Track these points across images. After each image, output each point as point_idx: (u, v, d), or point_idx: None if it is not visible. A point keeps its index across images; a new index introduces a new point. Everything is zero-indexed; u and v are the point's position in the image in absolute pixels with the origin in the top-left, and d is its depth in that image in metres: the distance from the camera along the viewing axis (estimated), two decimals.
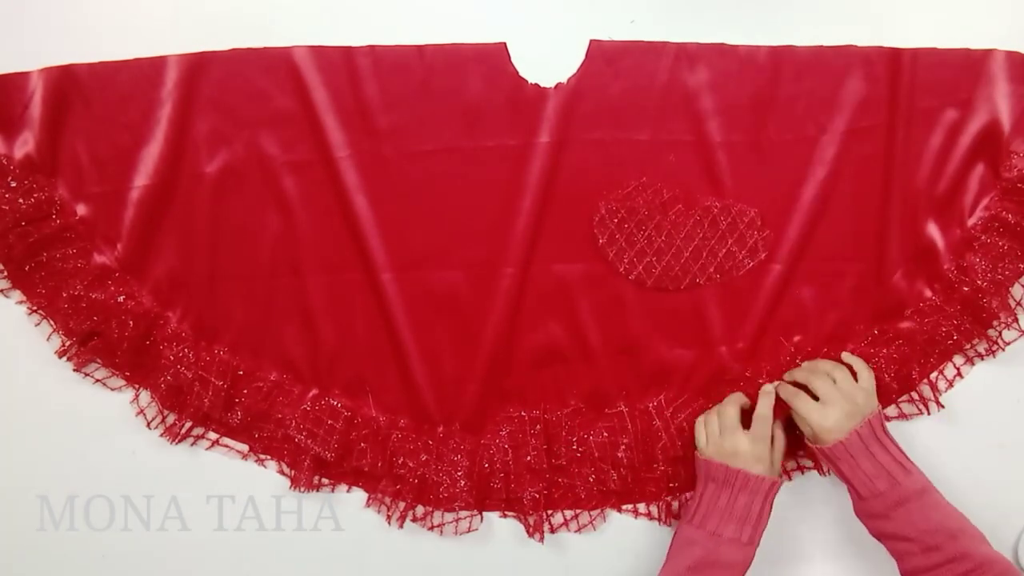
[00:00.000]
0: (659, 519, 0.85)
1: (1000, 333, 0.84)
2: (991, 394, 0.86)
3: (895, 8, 0.85)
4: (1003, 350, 0.85)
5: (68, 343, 0.83)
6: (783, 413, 0.81)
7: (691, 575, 0.74)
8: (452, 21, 0.83)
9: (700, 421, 0.82)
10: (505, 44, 0.82)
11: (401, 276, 0.84)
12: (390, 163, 0.83)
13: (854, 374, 0.80)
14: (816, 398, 0.78)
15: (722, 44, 0.82)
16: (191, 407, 0.83)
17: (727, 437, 0.79)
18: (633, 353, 0.85)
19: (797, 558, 0.87)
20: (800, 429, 0.79)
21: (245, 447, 0.86)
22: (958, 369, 0.85)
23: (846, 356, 0.82)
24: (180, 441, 0.85)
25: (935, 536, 0.72)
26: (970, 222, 0.85)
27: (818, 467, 0.84)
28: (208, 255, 0.84)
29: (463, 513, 0.85)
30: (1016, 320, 0.84)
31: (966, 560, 0.70)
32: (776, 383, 0.82)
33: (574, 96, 0.82)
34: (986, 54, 0.82)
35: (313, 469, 0.84)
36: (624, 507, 0.86)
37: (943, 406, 0.84)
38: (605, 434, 0.85)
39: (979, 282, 0.82)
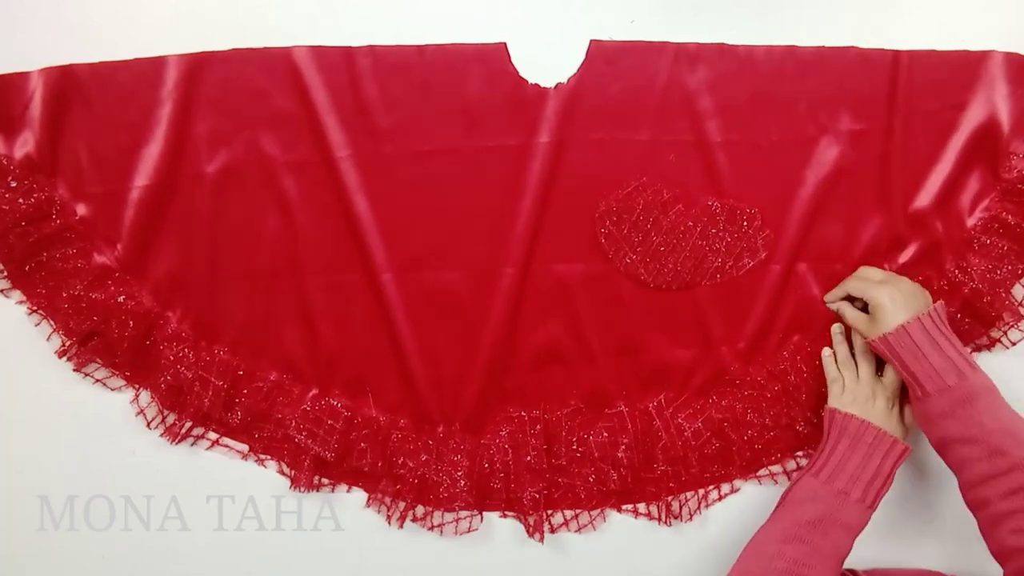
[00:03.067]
0: (659, 519, 0.85)
1: (1005, 333, 0.84)
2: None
3: (895, 8, 0.84)
4: (1007, 348, 0.85)
5: (68, 343, 0.83)
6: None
7: (810, 530, 0.71)
8: (452, 21, 0.83)
9: (830, 360, 0.81)
10: (505, 44, 0.82)
11: (401, 276, 0.84)
12: (390, 163, 0.83)
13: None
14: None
15: (722, 44, 0.82)
16: (191, 407, 0.83)
17: (865, 388, 0.77)
18: (633, 353, 0.85)
19: None
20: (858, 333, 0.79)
21: (245, 447, 0.86)
22: None
23: (880, 271, 0.82)
24: (180, 441, 0.85)
25: (1003, 438, 0.68)
26: (970, 222, 0.85)
27: None
28: (208, 255, 0.84)
29: (463, 513, 0.85)
30: (1022, 321, 0.84)
31: None
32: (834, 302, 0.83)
33: (574, 96, 0.82)
34: (985, 55, 0.82)
35: (313, 469, 0.84)
36: (624, 507, 0.86)
37: None
38: (605, 434, 0.85)
39: (979, 283, 0.82)
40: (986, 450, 0.68)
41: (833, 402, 0.79)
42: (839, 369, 0.81)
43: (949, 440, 0.72)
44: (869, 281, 0.80)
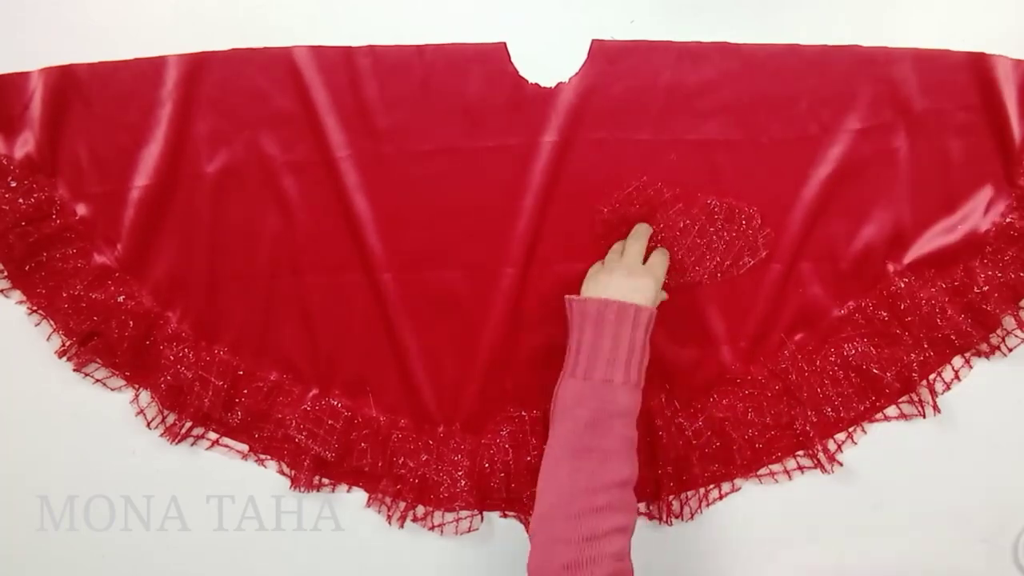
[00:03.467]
0: (660, 518, 0.85)
1: (1003, 339, 0.84)
2: (991, 395, 0.85)
3: (896, 8, 0.84)
4: (1006, 355, 0.85)
5: (68, 343, 0.83)
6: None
7: (591, 435, 0.67)
8: (452, 21, 0.83)
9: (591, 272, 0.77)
10: (505, 44, 0.82)
11: (401, 276, 0.84)
12: (390, 163, 0.83)
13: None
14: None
15: (724, 43, 0.82)
16: (191, 407, 0.83)
17: (615, 257, 0.76)
18: None
19: (794, 555, 0.87)
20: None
21: (245, 447, 0.86)
22: (956, 372, 0.85)
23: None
24: (180, 441, 0.85)
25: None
26: (982, 228, 0.84)
27: (820, 466, 0.84)
28: (208, 255, 0.84)
29: (463, 513, 0.85)
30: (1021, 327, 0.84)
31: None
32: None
33: (575, 96, 0.82)
34: (991, 59, 0.82)
35: (313, 469, 0.84)
36: None
37: (939, 411, 0.84)
38: None
39: (984, 288, 0.82)
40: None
41: (586, 283, 0.76)
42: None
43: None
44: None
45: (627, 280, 0.73)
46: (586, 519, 0.64)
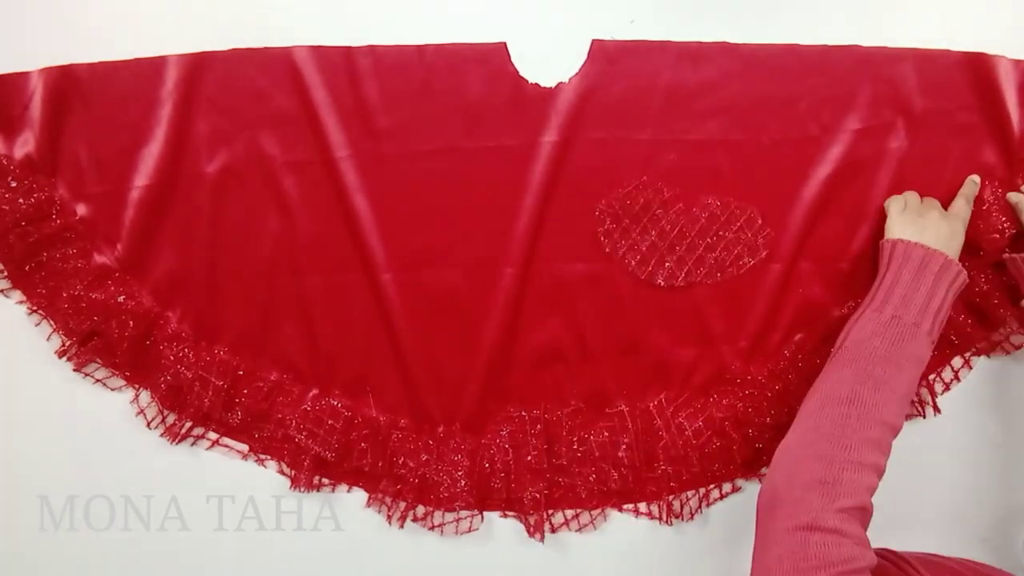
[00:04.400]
0: (660, 518, 0.85)
1: (1007, 337, 0.84)
2: (991, 395, 0.86)
3: (896, 8, 0.84)
4: (1008, 353, 0.85)
5: (68, 343, 0.83)
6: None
7: (882, 364, 0.67)
8: (452, 21, 0.83)
9: (893, 199, 0.78)
10: (505, 44, 0.82)
11: (401, 276, 0.84)
12: (390, 163, 0.83)
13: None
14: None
15: (724, 43, 0.82)
16: (191, 407, 0.83)
17: (927, 206, 0.75)
18: (634, 352, 0.85)
19: None
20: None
21: (245, 447, 0.86)
22: (956, 372, 0.85)
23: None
24: (180, 441, 0.85)
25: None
26: (982, 227, 0.84)
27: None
28: (208, 255, 0.84)
29: (463, 513, 0.85)
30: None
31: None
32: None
33: (575, 96, 0.82)
34: (991, 59, 0.82)
35: (313, 469, 0.84)
36: (625, 507, 0.86)
37: (939, 411, 0.84)
38: (606, 434, 0.85)
39: (987, 286, 0.82)
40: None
41: (892, 223, 0.76)
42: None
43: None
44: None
45: (944, 223, 0.73)
46: (856, 446, 0.63)
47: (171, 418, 0.85)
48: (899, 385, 0.67)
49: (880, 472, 0.65)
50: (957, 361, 0.85)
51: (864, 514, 0.62)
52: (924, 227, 0.75)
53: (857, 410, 0.65)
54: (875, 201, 0.84)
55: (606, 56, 0.82)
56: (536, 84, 0.82)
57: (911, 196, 0.80)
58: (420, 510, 0.85)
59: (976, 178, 0.81)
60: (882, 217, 0.84)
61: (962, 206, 0.79)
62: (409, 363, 0.85)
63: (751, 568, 0.62)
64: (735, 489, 0.86)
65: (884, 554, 0.69)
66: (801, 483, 0.62)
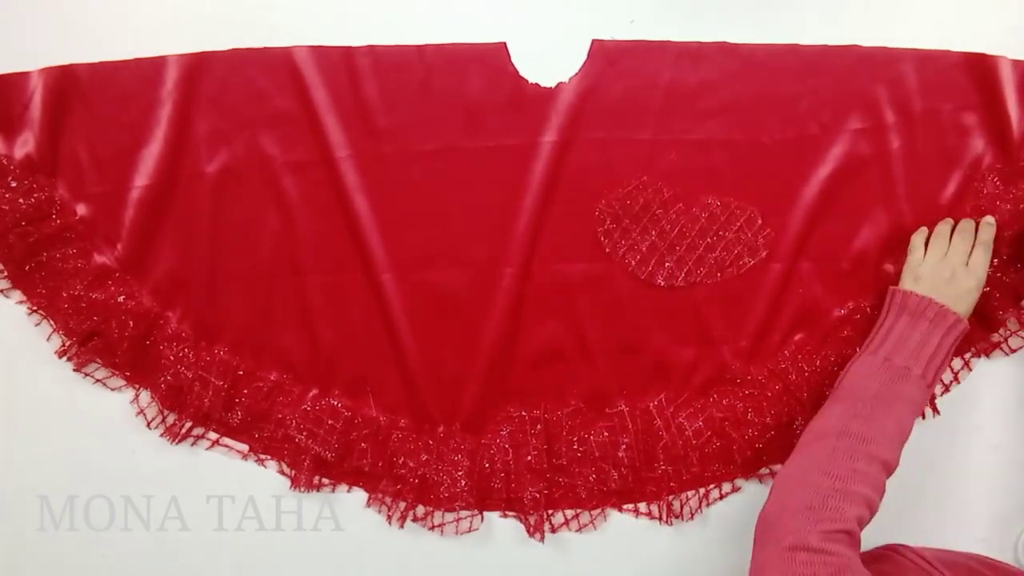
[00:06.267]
0: (660, 518, 0.85)
1: (1007, 339, 0.84)
2: (991, 395, 0.86)
3: (896, 8, 0.84)
4: (1007, 355, 0.84)
5: (68, 343, 0.83)
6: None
7: (874, 405, 0.69)
8: (452, 21, 0.83)
9: (919, 233, 0.80)
10: (505, 44, 0.82)
11: (401, 276, 0.84)
12: (390, 163, 0.83)
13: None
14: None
15: (724, 43, 0.82)
16: (191, 407, 0.83)
17: (946, 267, 0.76)
18: (634, 352, 0.85)
19: None
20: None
21: (245, 447, 0.86)
22: (956, 374, 0.85)
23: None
24: (180, 441, 0.85)
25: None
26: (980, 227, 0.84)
27: None
28: (208, 255, 0.84)
29: (463, 513, 0.85)
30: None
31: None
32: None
33: (575, 96, 0.82)
34: (992, 60, 0.82)
35: (313, 469, 0.84)
36: (625, 507, 0.86)
37: (938, 412, 0.84)
38: (606, 434, 0.85)
39: (987, 286, 0.82)
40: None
41: (906, 274, 0.78)
42: (929, 241, 0.80)
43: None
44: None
45: (950, 287, 0.75)
46: (843, 476, 0.65)
47: (171, 418, 0.85)
48: (889, 422, 0.69)
49: (871, 506, 0.66)
50: (957, 363, 0.85)
51: (851, 538, 0.63)
52: (936, 287, 0.76)
53: (846, 443, 0.68)
54: (875, 201, 0.84)
55: (606, 56, 0.82)
56: (536, 84, 0.82)
57: (937, 245, 0.79)
58: (420, 510, 0.84)
59: (991, 219, 0.80)
60: (882, 217, 0.84)
61: (980, 259, 0.78)
62: (409, 363, 0.85)
63: None
64: (735, 489, 0.86)
65: (901, 550, 0.70)
66: (790, 509, 0.65)
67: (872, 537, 0.85)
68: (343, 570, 0.86)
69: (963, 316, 0.75)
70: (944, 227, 0.81)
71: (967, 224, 0.80)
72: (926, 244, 0.81)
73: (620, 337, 0.85)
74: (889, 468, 0.69)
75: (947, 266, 0.77)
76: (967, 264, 0.78)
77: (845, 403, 0.71)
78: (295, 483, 0.84)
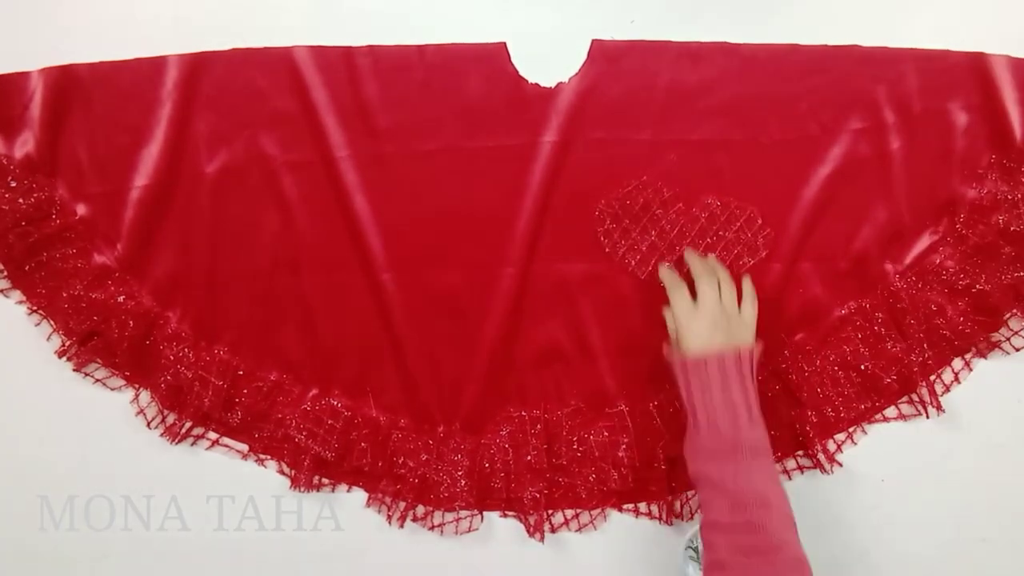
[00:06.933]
0: (660, 518, 0.85)
1: (1008, 339, 0.84)
2: (991, 394, 0.85)
3: (896, 8, 0.84)
4: (1009, 354, 0.84)
5: (68, 343, 0.83)
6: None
7: (736, 477, 0.68)
8: (452, 21, 0.83)
9: (667, 314, 0.77)
10: (505, 44, 0.82)
11: (401, 276, 0.84)
12: (390, 163, 0.83)
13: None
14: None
15: (724, 43, 0.82)
16: (191, 407, 0.83)
17: (687, 321, 0.74)
18: (634, 352, 0.85)
19: None
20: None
21: (245, 447, 0.86)
22: (956, 375, 0.85)
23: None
24: (180, 441, 0.85)
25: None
26: (981, 227, 0.84)
27: (820, 466, 0.84)
28: (208, 255, 0.84)
29: (463, 513, 0.85)
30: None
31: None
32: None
33: (575, 96, 0.82)
34: (992, 60, 0.82)
35: (313, 469, 0.84)
36: (625, 507, 0.86)
37: (943, 410, 0.84)
38: (606, 433, 0.85)
39: (987, 286, 0.82)
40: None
41: (673, 338, 0.76)
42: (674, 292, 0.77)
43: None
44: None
45: (718, 334, 0.73)
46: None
47: (171, 418, 0.85)
48: (760, 471, 0.69)
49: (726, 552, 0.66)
50: (957, 363, 0.85)
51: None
52: (698, 335, 0.73)
53: (749, 540, 0.66)
54: (875, 201, 0.84)
55: (606, 56, 0.82)
56: (536, 84, 0.82)
57: (678, 303, 0.76)
58: (420, 510, 0.84)
59: (748, 276, 0.79)
60: (882, 217, 0.84)
61: (747, 310, 0.76)
62: (409, 363, 0.85)
63: None
64: None
65: None
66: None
67: (872, 535, 0.85)
68: (343, 570, 0.86)
69: (743, 338, 0.73)
70: (680, 291, 0.77)
71: (698, 264, 0.78)
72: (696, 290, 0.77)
73: (620, 337, 0.85)
74: (772, 505, 0.68)
75: (704, 316, 0.74)
76: (727, 303, 0.75)
77: (717, 504, 0.68)
78: (295, 483, 0.84)
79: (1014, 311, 0.83)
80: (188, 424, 0.85)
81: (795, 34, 0.83)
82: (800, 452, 0.85)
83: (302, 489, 0.84)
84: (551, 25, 0.84)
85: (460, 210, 0.84)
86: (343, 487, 0.86)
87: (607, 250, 0.84)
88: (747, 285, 0.78)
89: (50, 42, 0.81)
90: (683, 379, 0.73)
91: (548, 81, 0.82)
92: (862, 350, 0.84)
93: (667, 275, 0.78)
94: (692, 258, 0.78)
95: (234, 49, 0.82)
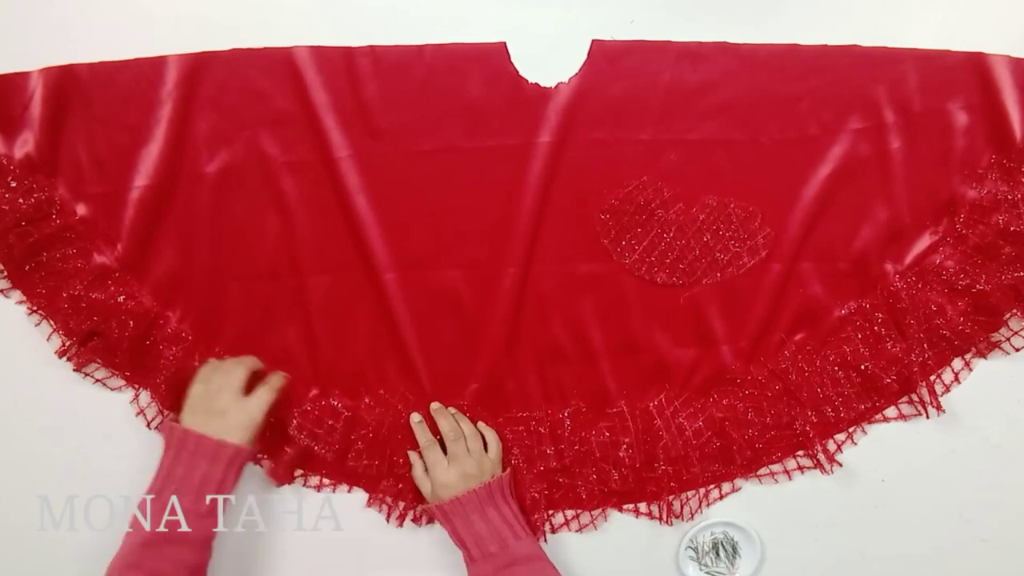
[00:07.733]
0: (660, 518, 0.85)
1: (1008, 339, 0.84)
2: (991, 394, 0.86)
3: (896, 8, 0.84)
4: (1009, 354, 0.84)
5: (68, 343, 0.83)
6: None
7: (145, 550, 0.71)
8: (452, 21, 0.83)
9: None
10: (505, 44, 0.82)
11: (402, 276, 0.84)
12: (390, 163, 0.83)
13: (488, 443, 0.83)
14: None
15: (724, 43, 0.82)
16: None
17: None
18: (634, 352, 0.85)
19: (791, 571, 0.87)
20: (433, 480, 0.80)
21: None
22: (956, 375, 0.85)
23: (481, 426, 0.84)
24: None
25: None
26: (980, 227, 0.84)
27: (820, 466, 0.84)
28: (208, 255, 0.84)
29: None
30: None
31: None
32: (419, 419, 0.84)
33: (575, 96, 0.82)
34: (992, 60, 0.82)
35: (293, 463, 0.84)
36: (625, 507, 0.86)
37: (943, 410, 0.84)
38: (606, 434, 0.85)
39: (985, 286, 0.82)
40: None
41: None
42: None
43: None
44: (453, 441, 0.81)
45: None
46: None
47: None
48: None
49: None
50: (957, 363, 0.85)
51: None
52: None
53: None
54: (875, 201, 0.84)
55: (606, 56, 0.82)
56: (536, 84, 0.82)
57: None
58: (420, 510, 0.84)
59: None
60: (882, 217, 0.84)
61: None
62: (410, 363, 0.85)
63: None
64: (735, 489, 0.86)
65: None
66: None
67: (872, 535, 0.85)
68: (343, 570, 0.86)
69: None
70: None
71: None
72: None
73: (620, 337, 0.85)
74: None
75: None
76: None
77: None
78: (272, 474, 0.84)
79: (1014, 311, 0.83)
80: None
81: (795, 34, 0.83)
82: (800, 452, 0.86)
83: (281, 483, 0.84)
84: (551, 25, 0.84)
85: (460, 210, 0.84)
86: (343, 487, 0.86)
87: (607, 250, 0.84)
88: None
89: (50, 42, 0.81)
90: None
91: (548, 81, 0.82)
92: (862, 350, 0.84)
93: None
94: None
95: (234, 49, 0.82)
